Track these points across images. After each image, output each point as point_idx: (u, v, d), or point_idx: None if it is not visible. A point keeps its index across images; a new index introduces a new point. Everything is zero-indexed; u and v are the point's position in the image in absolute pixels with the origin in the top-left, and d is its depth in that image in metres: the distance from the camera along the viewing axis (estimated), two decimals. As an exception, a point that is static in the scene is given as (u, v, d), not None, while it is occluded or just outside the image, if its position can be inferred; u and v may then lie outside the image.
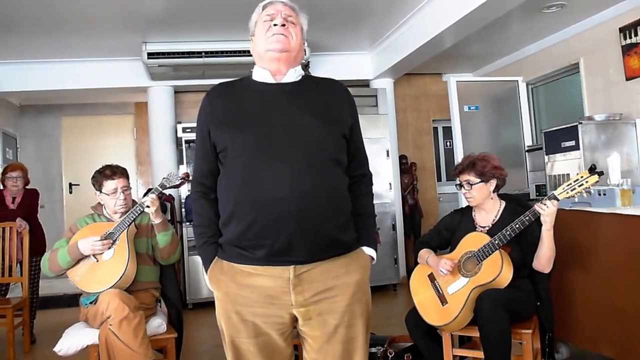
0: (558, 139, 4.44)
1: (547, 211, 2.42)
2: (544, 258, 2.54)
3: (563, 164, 4.41)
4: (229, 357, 1.64)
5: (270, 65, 1.65)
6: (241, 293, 1.58)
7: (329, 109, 1.65)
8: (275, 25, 1.62)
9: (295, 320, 1.60)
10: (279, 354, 1.61)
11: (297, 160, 1.52)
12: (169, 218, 5.52)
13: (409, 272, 3.07)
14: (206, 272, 1.67)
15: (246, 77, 1.71)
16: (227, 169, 1.61)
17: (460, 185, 2.80)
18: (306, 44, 1.75)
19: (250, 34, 1.74)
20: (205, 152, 1.67)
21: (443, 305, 2.61)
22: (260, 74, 1.67)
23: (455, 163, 5.11)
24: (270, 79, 1.66)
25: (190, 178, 2.20)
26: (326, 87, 1.74)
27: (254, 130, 1.56)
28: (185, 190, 5.87)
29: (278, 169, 1.51)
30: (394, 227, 5.90)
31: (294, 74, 1.67)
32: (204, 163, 1.69)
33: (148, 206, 2.78)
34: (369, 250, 1.71)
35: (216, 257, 1.65)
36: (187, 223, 5.62)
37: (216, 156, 1.65)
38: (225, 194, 1.61)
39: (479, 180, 2.73)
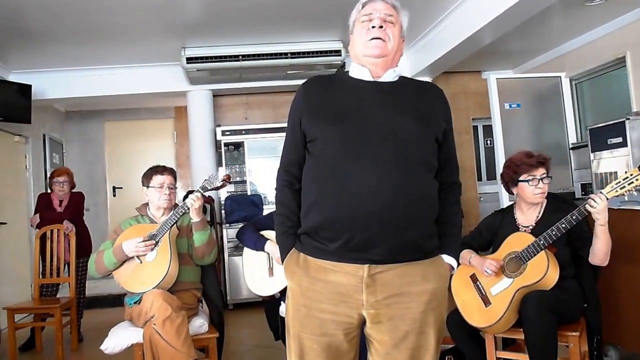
0: (604, 136, 4.29)
1: (597, 208, 2.34)
2: (600, 252, 2.45)
3: (610, 161, 4.25)
4: (291, 352, 1.63)
5: (368, 65, 1.66)
6: (313, 287, 1.57)
7: (424, 110, 1.63)
8: (373, 27, 1.62)
9: (363, 322, 1.57)
10: (342, 357, 1.58)
11: (387, 158, 1.50)
12: (209, 219, 5.60)
13: (450, 273, 3.03)
14: (282, 262, 1.68)
15: (342, 72, 1.74)
16: (314, 160, 1.61)
17: (539, 180, 2.66)
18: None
19: (349, 31, 1.74)
20: (294, 141, 1.68)
21: (486, 307, 2.56)
22: (359, 71, 1.67)
23: (498, 162, 5.02)
24: (368, 77, 1.66)
25: (233, 179, 2.23)
26: (423, 89, 1.72)
27: (347, 124, 1.56)
28: (224, 192, 5.94)
29: (366, 165, 1.50)
30: (433, 227, 5.81)
31: (392, 74, 1.67)
32: (292, 152, 1.70)
33: (194, 199, 2.84)
34: (448, 259, 1.67)
35: (293, 249, 1.65)
36: (227, 225, 5.69)
37: (304, 146, 1.65)
38: (310, 184, 1.61)
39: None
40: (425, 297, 1.55)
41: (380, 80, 1.66)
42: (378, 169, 1.49)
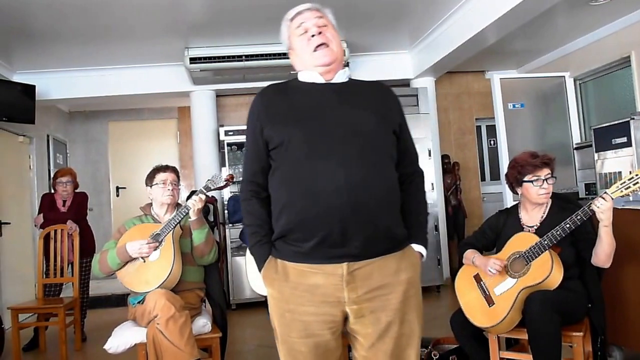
0: (608, 136, 4.28)
1: (602, 208, 2.33)
2: (603, 254, 2.44)
3: (614, 161, 4.24)
4: (281, 355, 1.66)
5: (319, 71, 1.70)
6: (294, 292, 1.59)
7: (379, 106, 1.69)
8: (313, 36, 1.67)
9: (345, 319, 1.60)
10: (331, 355, 1.61)
11: (351, 154, 1.55)
12: (212, 219, 5.60)
13: (453, 273, 3.02)
14: (260, 271, 1.68)
15: (294, 79, 1.76)
16: (280, 165, 1.63)
17: (543, 180, 2.64)
18: (345, 45, 1.78)
19: (286, 47, 1.78)
20: (257, 149, 1.69)
21: (490, 307, 2.55)
22: (309, 76, 1.71)
23: (501, 162, 5.01)
24: (320, 79, 1.69)
25: (236, 179, 2.23)
26: (373, 87, 1.78)
27: (309, 126, 1.59)
28: (227, 192, 5.95)
29: (332, 162, 1.53)
30: (436, 228, 5.82)
31: (342, 75, 1.72)
32: (255, 162, 1.70)
33: (196, 200, 2.87)
34: (418, 247, 1.71)
35: (270, 257, 1.66)
36: (230, 225, 5.70)
37: (267, 153, 1.66)
38: (278, 188, 1.63)
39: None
40: (402, 287, 1.60)
41: (332, 81, 1.70)
42: (344, 165, 1.53)
